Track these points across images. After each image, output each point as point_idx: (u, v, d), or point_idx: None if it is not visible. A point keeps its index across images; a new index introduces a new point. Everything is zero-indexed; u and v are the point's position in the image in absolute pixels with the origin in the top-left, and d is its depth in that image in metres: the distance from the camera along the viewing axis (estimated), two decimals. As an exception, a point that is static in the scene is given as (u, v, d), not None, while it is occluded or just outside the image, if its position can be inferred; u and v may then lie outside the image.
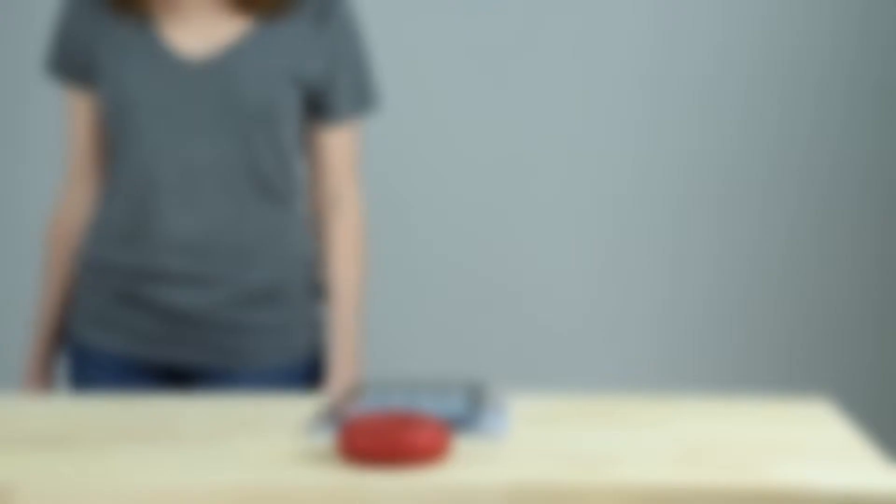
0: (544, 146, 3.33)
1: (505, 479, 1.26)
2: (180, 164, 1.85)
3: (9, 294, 3.38)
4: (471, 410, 1.49)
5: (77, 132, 1.93)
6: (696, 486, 1.23)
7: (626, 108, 3.32)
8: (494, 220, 3.34)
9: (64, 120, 3.24)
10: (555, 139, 3.33)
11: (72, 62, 1.91)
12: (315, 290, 1.96)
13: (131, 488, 1.27)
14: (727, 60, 3.31)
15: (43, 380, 1.98)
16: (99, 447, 1.41)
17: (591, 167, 3.33)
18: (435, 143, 3.31)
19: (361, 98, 1.93)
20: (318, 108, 1.91)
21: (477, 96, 3.31)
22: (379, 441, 1.31)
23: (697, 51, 3.31)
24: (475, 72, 3.30)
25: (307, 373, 1.94)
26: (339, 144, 1.93)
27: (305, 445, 1.41)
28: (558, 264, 3.35)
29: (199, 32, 1.85)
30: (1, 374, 3.38)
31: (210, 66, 1.84)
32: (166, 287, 1.87)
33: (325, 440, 1.43)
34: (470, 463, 1.33)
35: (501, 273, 3.33)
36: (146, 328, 1.89)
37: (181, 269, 1.86)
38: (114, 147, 1.89)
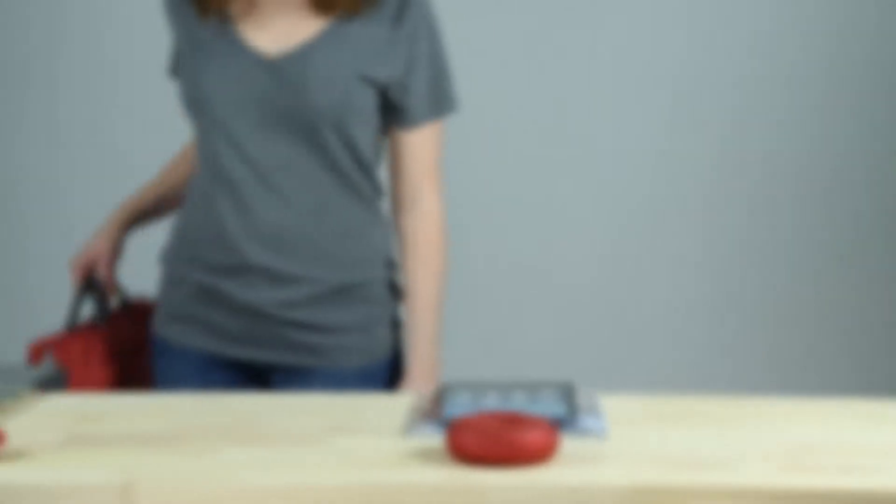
0: (595, 146, 3.35)
1: (619, 480, 1.28)
2: (256, 161, 1.86)
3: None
4: (570, 411, 1.50)
5: None
6: (812, 489, 1.24)
7: (677, 110, 3.34)
8: (536, 217, 3.35)
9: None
10: (600, 138, 3.35)
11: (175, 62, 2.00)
12: (397, 290, 1.97)
13: (248, 487, 1.29)
14: (760, 62, 3.32)
15: (111, 243, 2.05)
16: (208, 446, 1.43)
17: (651, 166, 3.35)
18: (474, 143, 3.31)
19: (438, 101, 1.93)
20: (394, 110, 1.92)
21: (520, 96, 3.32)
22: (491, 441, 1.32)
23: (731, 52, 3.32)
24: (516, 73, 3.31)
25: (388, 373, 1.95)
26: (416, 146, 1.93)
27: (411, 445, 1.42)
28: (606, 261, 3.37)
29: (278, 32, 1.87)
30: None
31: (283, 64, 1.85)
32: (244, 284, 1.88)
33: (427, 440, 1.44)
34: (579, 463, 1.34)
35: (555, 270, 3.34)
36: (225, 325, 1.90)
37: (259, 265, 1.87)
38: (193, 143, 1.92)
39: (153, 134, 3.05)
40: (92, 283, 2.02)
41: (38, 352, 1.89)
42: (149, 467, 1.34)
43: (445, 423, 1.48)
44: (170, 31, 1.98)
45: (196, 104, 1.88)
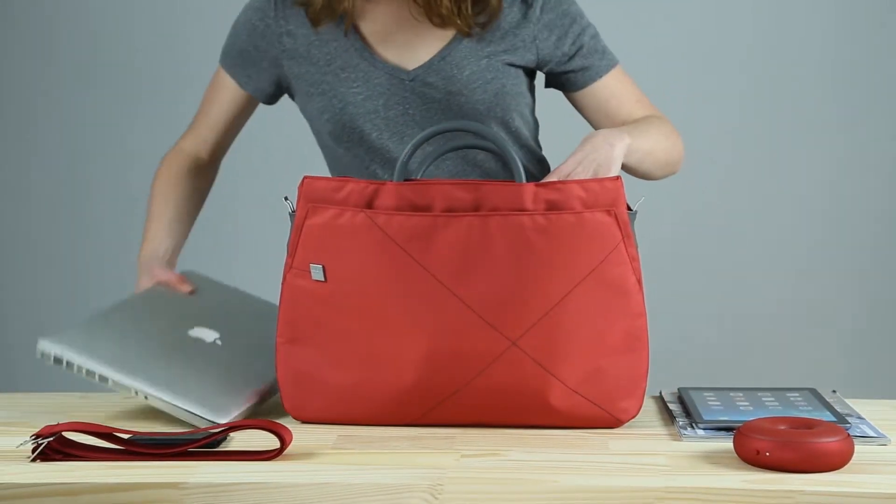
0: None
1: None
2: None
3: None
4: (840, 417, 1.49)
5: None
6: None
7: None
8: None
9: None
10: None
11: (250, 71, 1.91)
12: None
13: (540, 487, 1.28)
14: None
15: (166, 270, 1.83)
16: (487, 448, 1.43)
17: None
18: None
19: (606, 54, 1.87)
20: (567, 76, 1.86)
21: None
22: (794, 447, 1.31)
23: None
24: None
25: None
26: (611, 89, 1.86)
27: (689, 448, 1.41)
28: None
29: (408, 46, 1.82)
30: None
31: (428, 75, 1.81)
32: None
33: (702, 443, 1.43)
34: (881, 469, 1.33)
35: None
36: None
37: None
38: (340, 160, 1.87)
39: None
40: None
41: None
42: (440, 469, 1.33)
43: (716, 427, 1.47)
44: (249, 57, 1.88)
45: (347, 131, 1.82)
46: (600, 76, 1.87)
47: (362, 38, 1.82)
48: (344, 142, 1.84)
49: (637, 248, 1.52)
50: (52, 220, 3.47)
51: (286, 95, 1.93)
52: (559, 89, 1.90)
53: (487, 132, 1.53)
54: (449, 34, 1.82)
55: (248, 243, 3.40)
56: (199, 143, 1.96)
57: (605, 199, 1.49)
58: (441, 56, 1.81)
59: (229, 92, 1.93)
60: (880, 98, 3.31)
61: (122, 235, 3.44)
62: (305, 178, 1.52)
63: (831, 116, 3.33)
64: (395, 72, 1.81)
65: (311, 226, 1.51)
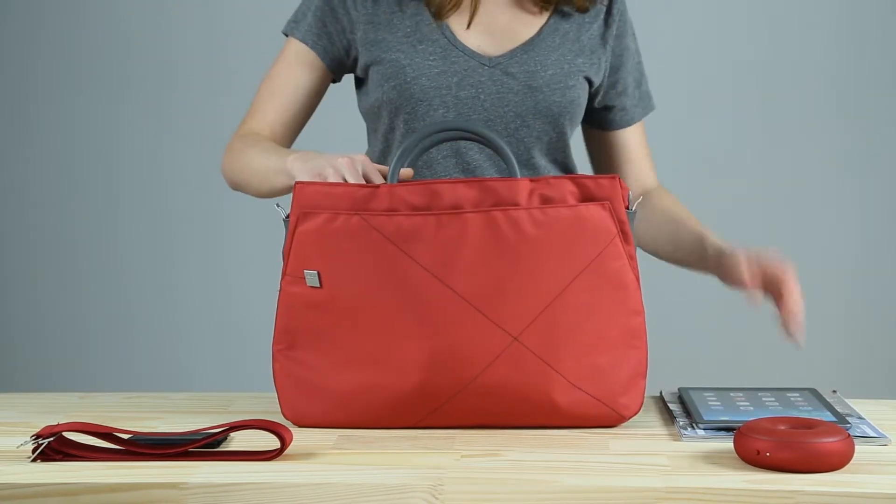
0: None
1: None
2: (475, 167, 1.80)
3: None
4: (841, 417, 1.49)
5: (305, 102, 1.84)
6: None
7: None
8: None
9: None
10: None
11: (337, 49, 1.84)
12: None
13: (540, 487, 1.28)
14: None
15: None
16: (486, 448, 1.42)
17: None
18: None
19: (643, 99, 1.91)
20: (607, 110, 1.89)
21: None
22: (794, 447, 1.31)
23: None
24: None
25: None
26: (636, 142, 1.91)
27: (690, 448, 1.41)
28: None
29: (493, 30, 1.80)
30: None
31: (509, 64, 1.79)
32: None
33: (702, 443, 1.43)
34: (881, 469, 1.33)
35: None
36: None
37: None
38: (387, 136, 1.83)
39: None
40: None
41: None
42: (440, 469, 1.33)
43: (716, 427, 1.47)
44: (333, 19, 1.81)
45: (413, 103, 1.78)
46: (634, 121, 1.90)
47: (439, 15, 1.79)
48: (405, 113, 1.78)
49: (636, 247, 1.53)
50: (50, 221, 3.47)
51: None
52: (589, 124, 1.91)
53: (485, 133, 1.52)
54: (536, 25, 1.81)
55: (247, 251, 3.40)
56: (266, 129, 1.81)
57: (600, 194, 1.50)
58: (524, 50, 1.80)
59: (305, 65, 1.82)
60: (880, 98, 3.32)
61: (120, 236, 3.45)
62: (297, 183, 1.51)
63: (832, 116, 3.33)
64: (475, 56, 1.79)
65: (303, 231, 1.50)
